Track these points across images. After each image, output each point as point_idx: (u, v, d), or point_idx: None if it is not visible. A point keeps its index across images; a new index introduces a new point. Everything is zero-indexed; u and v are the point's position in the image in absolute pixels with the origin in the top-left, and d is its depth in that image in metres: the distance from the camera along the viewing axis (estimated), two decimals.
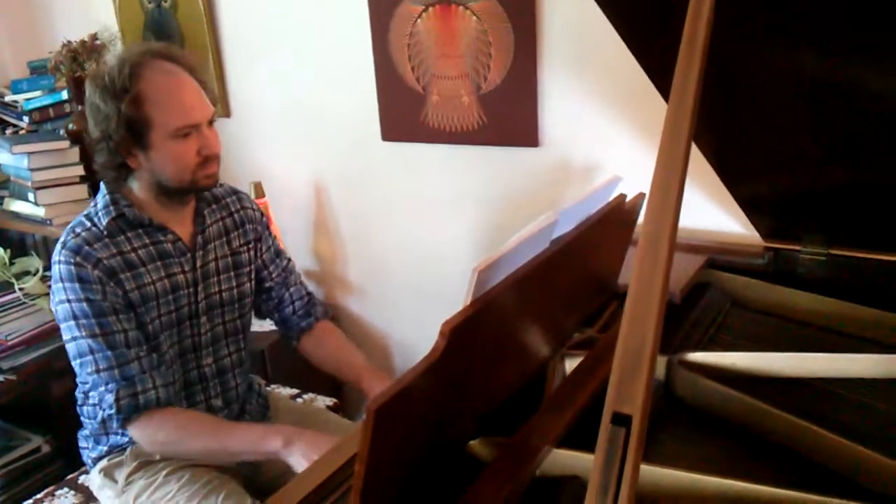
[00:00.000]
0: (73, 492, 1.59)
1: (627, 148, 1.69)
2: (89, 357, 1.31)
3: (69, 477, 1.64)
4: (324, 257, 2.27)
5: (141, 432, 1.34)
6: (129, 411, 1.30)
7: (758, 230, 1.50)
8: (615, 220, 1.24)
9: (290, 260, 1.65)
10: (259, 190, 2.13)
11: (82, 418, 1.48)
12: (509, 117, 1.80)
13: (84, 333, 1.30)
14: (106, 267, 1.31)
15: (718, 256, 1.53)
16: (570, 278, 1.17)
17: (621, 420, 0.49)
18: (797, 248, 1.48)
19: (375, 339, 2.26)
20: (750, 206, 1.44)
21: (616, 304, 1.40)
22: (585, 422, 1.06)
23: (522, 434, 0.98)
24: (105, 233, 1.33)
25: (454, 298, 2.08)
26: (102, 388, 1.31)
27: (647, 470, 0.93)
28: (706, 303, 1.42)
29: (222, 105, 2.26)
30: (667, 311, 1.35)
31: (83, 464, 1.53)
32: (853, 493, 0.87)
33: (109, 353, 1.30)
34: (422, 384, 0.79)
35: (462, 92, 1.84)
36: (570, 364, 1.20)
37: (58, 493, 1.59)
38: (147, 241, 1.38)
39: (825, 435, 0.97)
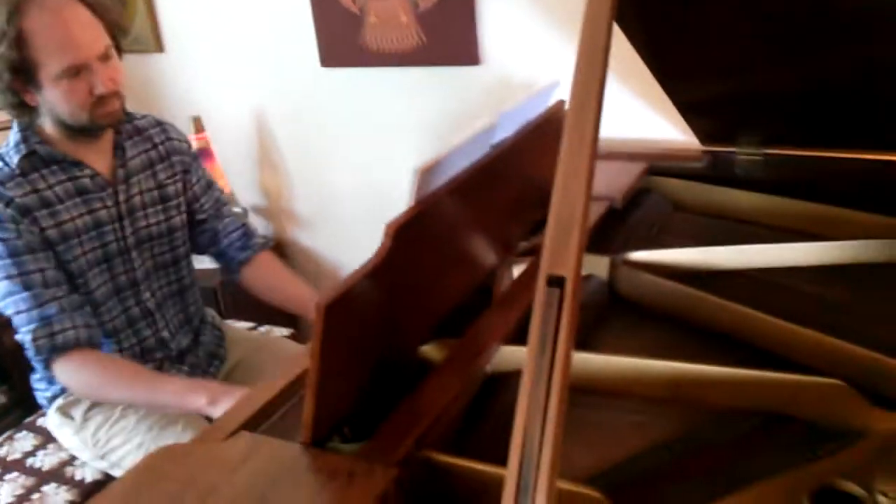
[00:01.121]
0: (31, 434, 1.58)
1: (570, 61, 1.69)
2: (10, 299, 1.29)
3: (27, 420, 1.64)
4: (270, 192, 2.25)
5: (63, 374, 1.31)
6: (46, 352, 1.28)
7: (696, 134, 1.53)
8: (555, 127, 1.25)
9: (222, 191, 1.62)
10: (198, 125, 2.08)
11: (32, 361, 1.46)
12: (448, 35, 1.79)
13: (1, 275, 1.28)
14: (19, 205, 1.27)
15: (658, 163, 1.55)
16: (512, 185, 1.19)
17: (556, 282, 0.51)
18: (734, 149, 1.53)
19: (329, 271, 2.27)
20: (689, 110, 1.46)
21: None
22: None
23: (471, 334, 1.00)
24: (17, 171, 1.29)
25: None
26: (24, 329, 1.29)
27: (590, 358, 0.97)
28: (648, 207, 1.46)
29: (154, 40, 2.19)
30: (609, 215, 1.39)
31: (40, 407, 1.53)
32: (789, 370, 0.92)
33: (27, 293, 1.27)
34: (369, 284, 0.80)
35: (399, 11, 1.81)
36: (518, 271, 1.22)
37: (17, 436, 1.58)
38: (63, 177, 1.34)
39: (762, 318, 1.02)
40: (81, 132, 1.32)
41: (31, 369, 1.48)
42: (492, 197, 1.10)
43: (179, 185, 1.49)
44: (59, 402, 1.43)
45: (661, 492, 0.82)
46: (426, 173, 0.84)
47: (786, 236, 1.34)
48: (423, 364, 1.02)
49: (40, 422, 1.62)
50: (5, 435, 1.60)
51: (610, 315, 1.16)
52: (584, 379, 0.97)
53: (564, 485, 0.76)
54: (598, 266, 1.22)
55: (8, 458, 1.52)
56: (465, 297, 1.12)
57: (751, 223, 1.42)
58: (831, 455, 0.82)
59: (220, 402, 1.20)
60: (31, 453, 1.53)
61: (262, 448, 0.81)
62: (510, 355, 1.00)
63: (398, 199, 2.03)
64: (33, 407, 1.57)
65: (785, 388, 0.89)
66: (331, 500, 0.72)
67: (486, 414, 0.92)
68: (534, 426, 0.51)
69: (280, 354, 1.61)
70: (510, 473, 0.51)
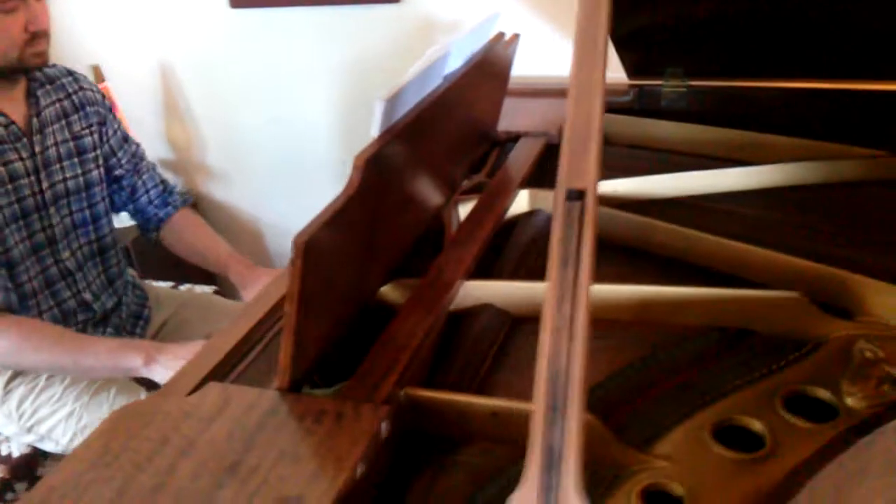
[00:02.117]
0: None
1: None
2: None
3: None
4: (179, 144, 2.13)
5: None
6: None
7: (625, 68, 1.54)
8: (494, 63, 1.23)
9: (138, 145, 1.54)
10: (98, 74, 1.94)
11: None
12: None
13: None
14: None
15: None
16: (457, 122, 1.16)
17: (576, 195, 0.50)
18: (659, 82, 1.55)
19: (245, 224, 2.19)
20: (622, 43, 1.47)
21: (498, 151, 1.41)
22: (489, 255, 1.09)
23: (432, 272, 0.98)
24: None
25: (326, 173, 2.05)
26: None
27: (525, 286, 0.98)
28: None
29: None
30: (546, 150, 1.38)
31: None
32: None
33: None
34: (340, 220, 0.77)
35: None
36: (464, 209, 1.21)
37: None
38: None
39: (714, 240, 1.04)
40: (1, 75, 1.22)
41: None
42: (443, 132, 1.08)
43: (96, 136, 1.39)
44: None
45: (636, 409, 0.84)
46: (390, 102, 0.80)
47: (712, 164, 1.37)
48: (381, 305, 1.00)
49: None
50: None
51: None
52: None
53: None
54: (543, 201, 1.22)
55: None
56: (417, 237, 1.10)
57: (678, 153, 1.45)
58: (794, 364, 0.86)
59: (156, 361, 1.15)
60: None
61: (235, 398, 0.77)
62: (473, 290, 0.99)
63: (314, 149, 2.00)
64: None
65: (746, 304, 0.92)
66: (322, 443, 0.69)
67: (455, 349, 0.91)
68: (561, 341, 0.50)
69: (207, 311, 1.55)
70: (539, 390, 0.50)
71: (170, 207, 1.53)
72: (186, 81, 2.04)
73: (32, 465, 1.36)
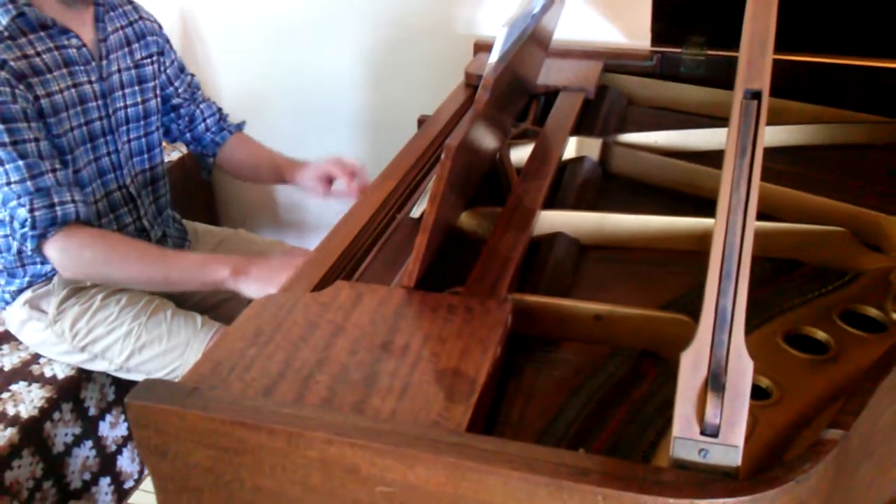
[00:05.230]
0: None
1: None
2: (0, 168, 1.18)
3: None
4: None
5: (61, 252, 1.21)
6: (45, 224, 1.18)
7: (652, 35, 1.64)
8: (547, 24, 1.32)
9: (193, 76, 1.57)
10: None
11: (17, 240, 1.36)
12: None
13: None
14: (13, 69, 1.18)
15: (612, 61, 1.66)
16: (520, 76, 1.24)
17: (753, 95, 0.59)
18: (679, 50, 1.66)
19: None
20: (659, 7, 1.57)
21: (537, 103, 1.50)
22: (558, 189, 1.18)
23: (513, 200, 1.07)
24: (6, 33, 1.19)
25: (342, 122, 2.09)
26: (14, 203, 1.18)
27: (622, 219, 1.07)
28: (610, 100, 1.57)
29: None
30: (584, 104, 1.47)
31: None
32: None
33: (21, 162, 1.17)
34: (470, 135, 0.84)
35: None
36: (516, 152, 1.29)
37: None
38: (51, 44, 1.25)
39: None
40: None
41: None
42: (512, 84, 1.15)
43: (156, 66, 1.42)
44: (27, 294, 1.34)
45: None
46: (510, 27, 0.87)
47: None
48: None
49: None
50: None
51: (609, 191, 1.26)
52: (619, 238, 1.07)
53: (651, 312, 0.86)
54: (589, 148, 1.31)
55: None
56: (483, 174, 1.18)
57: (698, 115, 1.56)
58: (842, 288, 0.97)
59: (246, 273, 1.18)
60: None
61: (366, 293, 0.84)
62: (547, 219, 1.07)
63: (331, 99, 2.04)
64: None
65: (796, 237, 1.03)
66: (462, 329, 0.77)
67: (543, 265, 1.00)
68: (737, 218, 0.59)
69: (244, 248, 1.59)
70: (714, 260, 0.59)
71: (225, 132, 1.58)
72: (204, 27, 2.06)
73: (76, 386, 1.39)
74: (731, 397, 0.58)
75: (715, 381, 0.58)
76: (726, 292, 0.59)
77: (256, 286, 1.15)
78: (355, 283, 0.88)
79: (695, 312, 0.93)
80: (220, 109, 1.59)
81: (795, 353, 0.85)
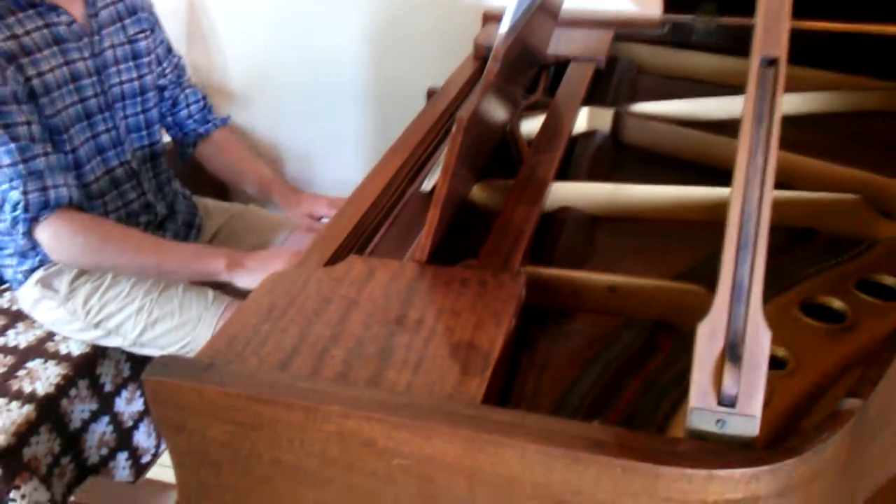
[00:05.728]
0: None
1: None
2: None
3: None
4: (200, 66, 2.13)
5: (53, 236, 1.21)
6: (38, 208, 1.18)
7: (666, 1, 1.62)
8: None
9: (181, 58, 1.56)
10: None
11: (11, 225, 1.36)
12: None
13: None
14: (3, 51, 1.17)
15: (623, 30, 1.64)
16: (530, 48, 1.23)
17: (770, 62, 0.58)
18: (691, 17, 1.64)
19: (263, 150, 2.21)
20: None
21: (547, 73, 1.48)
22: (570, 160, 1.18)
23: (525, 171, 1.06)
24: None
25: (347, 100, 2.08)
26: (6, 186, 1.18)
27: (633, 189, 1.06)
28: (620, 69, 1.55)
29: None
30: (594, 74, 1.45)
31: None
32: None
33: (13, 145, 1.16)
34: (481, 108, 0.83)
35: None
36: (526, 123, 1.28)
37: None
38: (40, 22, 1.23)
39: None
40: None
41: None
42: (522, 55, 1.14)
43: (149, 41, 1.41)
44: (39, 273, 1.35)
45: None
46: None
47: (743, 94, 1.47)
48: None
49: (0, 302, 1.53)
50: None
51: (621, 161, 1.25)
52: (632, 209, 1.06)
53: (666, 283, 0.86)
54: (601, 119, 1.30)
55: None
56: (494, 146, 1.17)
57: (711, 83, 1.54)
58: (857, 257, 0.96)
59: (242, 265, 1.20)
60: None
61: (378, 268, 0.84)
62: (558, 190, 1.06)
63: (337, 75, 2.03)
64: None
65: (810, 206, 1.02)
66: (475, 302, 0.77)
67: (555, 237, 0.99)
68: (753, 188, 0.58)
69: (255, 223, 1.59)
70: (731, 231, 0.59)
71: (210, 125, 1.56)
72: (213, 4, 2.04)
73: (92, 362, 1.40)
74: (749, 367, 0.58)
75: (732, 352, 0.58)
76: (743, 262, 0.58)
77: (251, 278, 1.17)
78: (368, 257, 0.88)
79: (710, 283, 0.93)
80: (205, 98, 1.56)
81: (811, 323, 0.85)
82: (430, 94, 1.60)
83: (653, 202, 1.06)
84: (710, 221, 1.03)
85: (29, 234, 1.21)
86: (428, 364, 0.69)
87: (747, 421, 0.58)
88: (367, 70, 2.02)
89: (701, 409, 0.59)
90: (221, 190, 2.15)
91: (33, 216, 1.19)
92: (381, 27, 1.95)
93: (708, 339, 0.58)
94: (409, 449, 0.62)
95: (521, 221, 0.92)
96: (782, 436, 0.70)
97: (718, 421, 0.58)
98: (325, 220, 1.40)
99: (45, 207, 1.19)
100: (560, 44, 1.53)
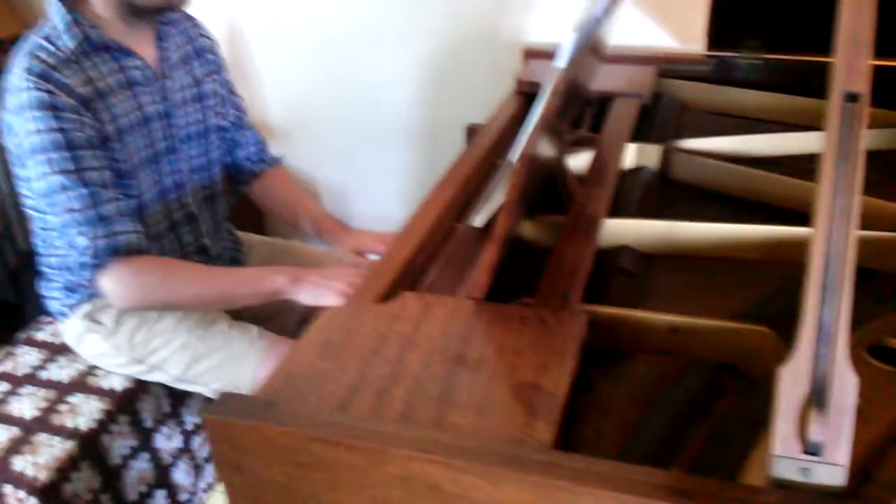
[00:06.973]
0: (33, 348, 1.49)
1: None
2: (62, 195, 1.18)
3: (22, 336, 1.53)
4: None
5: (118, 280, 1.21)
6: (106, 254, 1.19)
7: (709, 38, 1.61)
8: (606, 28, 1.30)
9: (243, 99, 1.56)
10: None
11: (47, 270, 1.37)
12: None
13: (55, 169, 1.17)
14: (80, 96, 1.18)
15: (667, 66, 1.63)
16: (579, 80, 1.22)
17: (852, 97, 0.56)
18: (736, 54, 1.63)
19: (302, 185, 2.22)
20: (718, 11, 1.54)
21: (591, 109, 1.47)
22: (619, 197, 1.16)
23: (577, 208, 1.04)
24: (73, 57, 1.19)
25: (387, 137, 2.08)
26: (74, 231, 1.19)
27: (691, 227, 1.04)
28: (663, 106, 1.54)
29: None
30: (639, 110, 1.44)
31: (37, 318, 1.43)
32: None
33: (84, 190, 1.18)
34: (538, 146, 0.82)
35: None
36: (572, 160, 1.27)
37: (17, 351, 1.49)
38: (114, 66, 1.25)
39: (810, 186, 1.12)
40: (142, 14, 1.24)
41: (37, 278, 1.39)
42: (573, 89, 1.13)
43: (215, 85, 1.42)
44: (86, 308, 1.35)
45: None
46: (579, 33, 0.85)
47: (790, 129, 1.44)
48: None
49: (40, 336, 1.53)
50: (3, 351, 1.50)
51: (670, 197, 1.23)
52: (687, 246, 1.04)
53: (730, 323, 0.83)
54: (649, 155, 1.29)
55: (17, 374, 1.43)
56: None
57: (755, 119, 1.52)
58: None
59: (303, 280, 1.18)
60: (41, 367, 1.44)
61: (434, 305, 0.82)
62: (610, 227, 1.05)
63: (377, 112, 2.04)
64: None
65: (870, 244, 0.99)
66: (536, 342, 0.75)
67: (610, 274, 0.97)
68: (837, 227, 0.56)
69: (297, 258, 1.58)
70: (814, 271, 0.57)
71: (265, 164, 1.55)
72: (252, 39, 2.07)
73: (133, 397, 1.40)
74: (836, 414, 0.55)
75: (818, 397, 0.55)
76: (829, 304, 0.56)
77: (313, 294, 1.15)
78: (422, 293, 0.87)
79: (773, 323, 0.91)
80: (262, 140, 1.57)
81: (880, 366, 0.82)
82: (470, 130, 1.60)
83: (707, 240, 1.04)
84: (764, 260, 1.02)
85: (93, 279, 1.21)
86: (492, 406, 0.67)
87: (834, 470, 0.55)
88: (405, 106, 2.03)
89: (784, 458, 0.56)
90: (259, 223, 2.16)
91: (100, 263, 1.19)
92: (419, 64, 1.97)
93: (791, 383, 0.56)
94: (476, 495, 0.60)
95: (576, 258, 0.91)
96: (854, 485, 0.67)
97: (803, 469, 0.56)
98: (370, 256, 1.38)
99: (114, 253, 1.19)
100: (603, 79, 1.52)
